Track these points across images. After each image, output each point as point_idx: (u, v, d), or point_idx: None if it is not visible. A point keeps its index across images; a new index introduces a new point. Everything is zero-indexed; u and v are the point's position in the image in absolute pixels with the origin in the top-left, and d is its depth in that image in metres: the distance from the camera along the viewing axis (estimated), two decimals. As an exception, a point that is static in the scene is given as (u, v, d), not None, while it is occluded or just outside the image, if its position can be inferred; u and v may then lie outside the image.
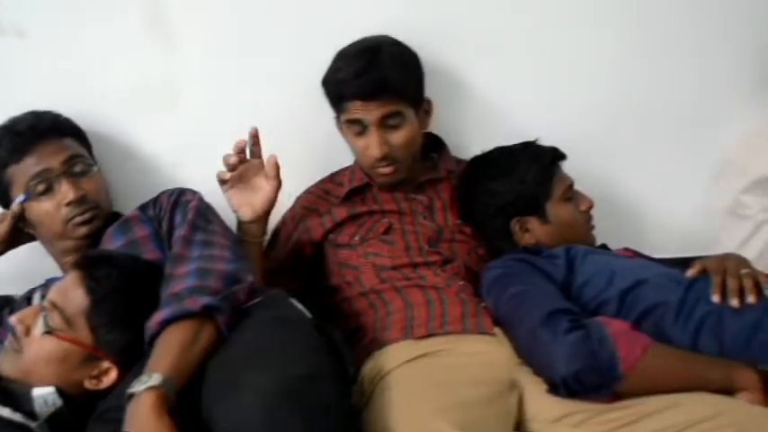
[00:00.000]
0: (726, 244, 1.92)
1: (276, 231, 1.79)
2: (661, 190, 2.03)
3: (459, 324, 1.47)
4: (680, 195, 2.03)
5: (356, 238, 1.68)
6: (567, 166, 1.88)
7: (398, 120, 1.66)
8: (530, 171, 1.67)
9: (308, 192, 1.80)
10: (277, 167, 1.60)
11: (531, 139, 1.82)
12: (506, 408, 1.32)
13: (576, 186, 1.92)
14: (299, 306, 1.39)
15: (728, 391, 1.31)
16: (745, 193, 1.91)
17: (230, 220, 1.66)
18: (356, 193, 1.75)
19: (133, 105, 1.79)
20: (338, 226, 1.71)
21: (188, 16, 1.79)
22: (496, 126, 1.92)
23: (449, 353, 1.41)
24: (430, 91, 1.85)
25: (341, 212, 1.72)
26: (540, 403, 1.33)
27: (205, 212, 1.56)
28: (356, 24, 1.78)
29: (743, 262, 1.53)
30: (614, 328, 1.31)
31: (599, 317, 1.34)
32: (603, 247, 1.78)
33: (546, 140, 1.89)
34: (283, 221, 1.79)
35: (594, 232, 1.78)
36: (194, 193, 1.62)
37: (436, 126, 1.89)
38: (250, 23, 1.82)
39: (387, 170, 1.68)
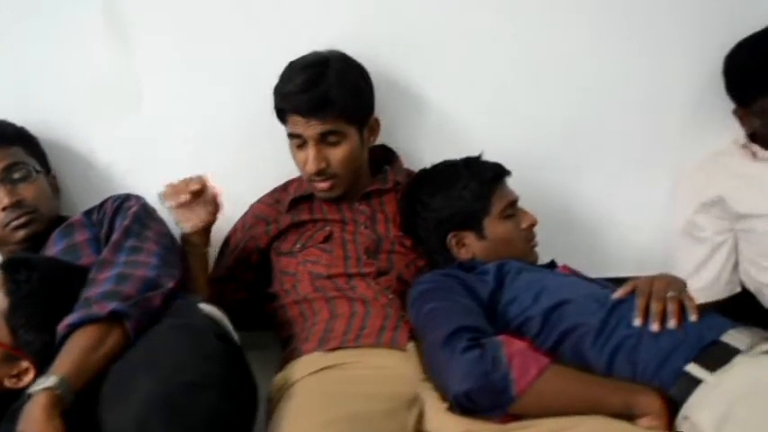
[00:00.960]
0: (682, 265, 1.90)
1: (227, 239, 1.83)
2: (619, 207, 2.02)
3: (374, 337, 1.48)
4: (639, 213, 2.01)
5: (296, 246, 1.70)
6: (521, 180, 1.88)
7: (338, 137, 1.68)
8: (468, 187, 1.67)
9: (259, 201, 1.83)
10: (215, 200, 1.66)
11: (488, 151, 1.82)
12: (402, 423, 1.33)
13: (532, 201, 1.91)
14: (216, 313, 1.42)
15: (630, 415, 1.30)
16: (697, 213, 1.88)
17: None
18: (302, 202, 1.78)
19: (90, 111, 1.84)
20: (282, 234, 1.74)
21: (144, 23, 1.83)
22: (452, 139, 1.93)
23: (355, 366, 1.42)
24: (386, 103, 1.88)
25: (285, 220, 1.75)
26: (440, 420, 1.33)
27: (143, 218, 1.60)
28: (310, 33, 1.81)
29: (673, 283, 1.51)
30: (512, 348, 1.31)
31: (501, 336, 1.34)
32: (552, 263, 1.77)
33: (500, 153, 1.88)
34: (234, 229, 1.82)
35: (538, 249, 1.76)
36: (138, 198, 1.67)
37: (392, 137, 1.92)
38: (205, 30, 1.85)
39: (323, 185, 1.70)
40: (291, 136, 1.69)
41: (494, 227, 1.67)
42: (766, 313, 1.83)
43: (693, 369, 1.33)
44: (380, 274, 1.64)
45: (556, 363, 1.33)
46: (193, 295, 1.51)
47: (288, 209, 1.77)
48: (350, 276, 1.64)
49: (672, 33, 1.92)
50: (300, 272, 1.67)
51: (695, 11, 1.92)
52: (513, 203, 1.71)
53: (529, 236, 1.71)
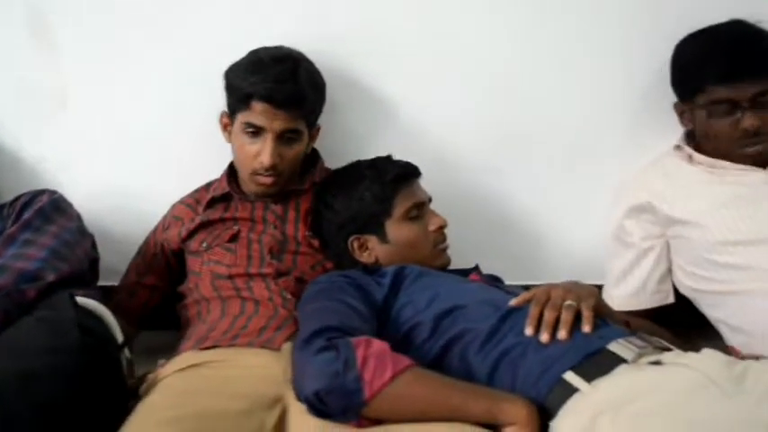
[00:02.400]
0: (611, 271, 1.84)
1: (147, 239, 1.82)
2: (558, 213, 1.97)
3: (252, 337, 1.45)
4: (579, 220, 1.95)
5: (203, 245, 1.68)
6: (456, 183, 1.84)
7: (295, 136, 1.67)
8: (370, 189, 1.63)
9: (180, 201, 1.82)
10: None
11: (427, 152, 1.82)
12: (260, 423, 1.28)
13: (467, 204, 1.88)
14: (99, 308, 1.42)
15: (496, 424, 1.23)
16: (626, 218, 1.80)
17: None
18: (220, 202, 1.76)
19: (18, 110, 1.86)
20: (192, 234, 1.72)
21: (72, 22, 1.84)
22: (390, 140, 1.89)
23: (222, 365, 1.39)
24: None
25: (197, 220, 1.73)
26: (301, 422, 1.28)
27: (48, 212, 1.60)
28: (253, 35, 1.79)
29: (573, 292, 1.43)
30: (369, 350, 1.25)
31: (361, 337, 1.28)
32: (476, 268, 1.72)
33: (437, 154, 1.87)
34: (153, 230, 1.82)
35: (450, 252, 1.71)
36: (53, 193, 1.67)
37: (332, 137, 1.88)
38: (134, 30, 1.85)
39: (267, 180, 1.67)
40: (248, 125, 1.65)
41: (396, 230, 1.63)
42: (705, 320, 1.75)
43: (570, 378, 1.26)
44: (280, 274, 1.61)
45: (416, 367, 1.26)
46: (82, 290, 1.49)
47: (205, 208, 1.75)
48: (250, 276, 1.61)
49: (612, 36, 1.87)
50: (204, 272, 1.65)
51: (633, 14, 1.86)
52: (418, 205, 1.65)
53: (437, 239, 1.66)
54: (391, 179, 1.63)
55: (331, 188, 1.69)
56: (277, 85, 1.60)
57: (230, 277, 1.61)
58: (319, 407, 1.23)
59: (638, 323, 1.72)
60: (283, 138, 1.64)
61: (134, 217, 1.88)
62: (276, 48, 1.71)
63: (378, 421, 1.25)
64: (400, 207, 1.63)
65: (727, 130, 1.66)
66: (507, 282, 1.85)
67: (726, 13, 1.73)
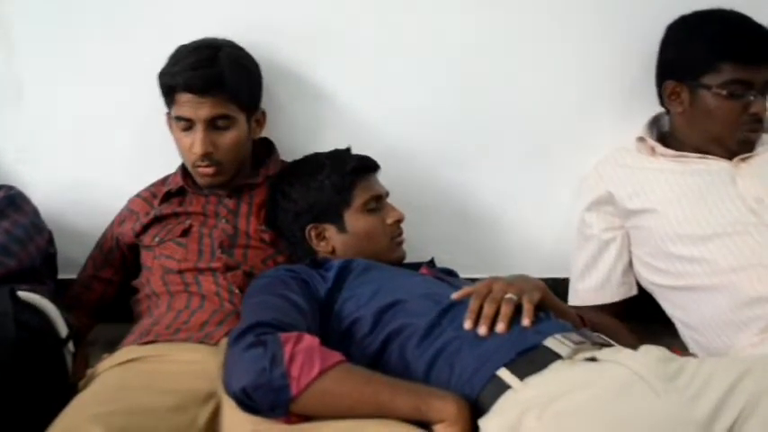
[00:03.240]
0: (574, 265, 1.82)
1: (104, 233, 1.83)
2: (522, 206, 1.96)
3: (193, 332, 1.46)
4: (543, 213, 1.94)
5: (155, 240, 1.69)
6: (415, 175, 1.83)
7: (228, 122, 1.65)
8: (330, 178, 1.63)
9: (137, 194, 1.82)
10: None
11: (382, 143, 1.82)
12: (191, 418, 1.29)
13: (426, 197, 1.87)
14: (41, 303, 1.43)
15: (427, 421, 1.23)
16: (587, 210, 1.79)
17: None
18: (175, 196, 1.76)
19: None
20: (146, 228, 1.73)
21: (27, 17, 1.84)
22: (345, 132, 1.88)
23: (159, 359, 1.39)
24: (279, 95, 1.84)
25: (151, 214, 1.73)
26: (233, 417, 1.28)
27: (2, 208, 1.62)
28: (196, 26, 1.78)
29: (516, 285, 1.43)
30: (297, 346, 1.24)
31: (291, 333, 1.28)
32: (430, 261, 1.71)
33: (395, 146, 1.86)
34: (110, 224, 1.82)
35: (406, 246, 1.71)
36: (9, 188, 1.69)
37: (285, 130, 1.88)
38: (90, 25, 1.85)
39: (208, 170, 1.67)
40: (179, 119, 1.65)
41: (355, 220, 1.63)
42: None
43: (503, 374, 1.25)
44: (229, 269, 1.61)
45: (346, 363, 1.26)
46: (28, 284, 1.50)
47: (160, 202, 1.75)
48: (199, 271, 1.61)
49: (571, 24, 1.85)
50: (155, 266, 1.66)
51: (597, 4, 1.84)
52: (377, 197, 1.66)
53: (394, 232, 1.66)
54: (351, 170, 1.64)
55: (288, 178, 1.69)
56: (194, 72, 1.61)
57: (180, 272, 1.62)
58: (247, 403, 1.23)
59: (595, 318, 1.72)
60: (215, 125, 1.64)
61: (93, 210, 1.88)
62: (199, 40, 1.71)
63: (308, 417, 1.25)
64: (359, 198, 1.63)
65: (733, 113, 1.64)
66: (470, 275, 1.84)
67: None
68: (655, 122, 1.82)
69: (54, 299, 1.56)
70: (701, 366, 1.24)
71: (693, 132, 1.71)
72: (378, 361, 1.39)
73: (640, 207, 1.69)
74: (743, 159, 1.67)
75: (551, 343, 1.30)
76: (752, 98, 1.63)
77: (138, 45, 1.84)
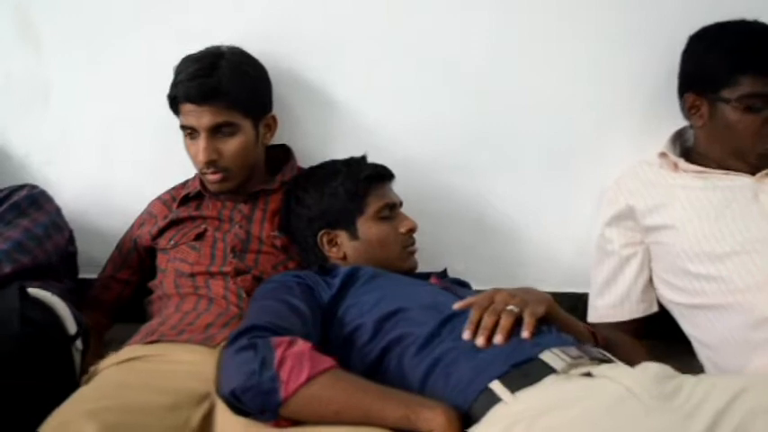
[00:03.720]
0: (594, 281, 1.80)
1: (125, 234, 1.87)
2: (543, 219, 1.94)
3: (196, 334, 1.48)
4: (564, 226, 1.92)
5: (170, 243, 1.72)
6: (432, 183, 1.83)
7: (231, 129, 1.68)
8: (344, 185, 1.65)
9: (158, 197, 1.86)
10: None
11: (397, 152, 1.83)
12: (185, 418, 1.30)
13: (444, 205, 1.88)
14: (50, 299, 1.47)
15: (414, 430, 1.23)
16: (607, 225, 1.76)
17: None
18: (193, 200, 1.79)
19: (4, 106, 1.93)
20: (163, 231, 1.76)
21: (56, 20, 1.90)
22: (361, 140, 1.89)
23: (159, 359, 1.42)
24: (295, 103, 1.87)
25: (169, 218, 1.77)
26: (226, 419, 1.30)
27: (23, 206, 1.68)
28: (217, 33, 1.83)
29: (519, 296, 1.42)
30: (288, 350, 1.25)
31: (285, 337, 1.29)
32: (441, 272, 1.71)
33: (411, 155, 1.88)
34: (131, 226, 1.86)
35: (420, 255, 1.71)
36: (33, 188, 1.75)
37: (302, 138, 1.91)
38: (118, 28, 1.90)
39: (214, 177, 1.70)
40: (184, 127, 1.70)
41: (367, 228, 1.64)
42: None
43: (496, 386, 1.24)
44: (239, 273, 1.63)
45: (336, 369, 1.26)
46: (42, 281, 1.55)
47: (178, 205, 1.79)
48: (211, 275, 1.64)
49: (592, 34, 1.83)
50: (169, 269, 1.69)
51: (617, 12, 1.82)
52: (390, 206, 1.67)
53: (406, 241, 1.66)
54: (365, 177, 1.66)
55: (303, 183, 1.71)
56: (192, 82, 1.64)
57: (192, 275, 1.65)
58: (238, 405, 1.25)
59: (611, 336, 1.70)
60: (218, 132, 1.67)
61: (117, 211, 1.93)
62: (208, 48, 1.74)
63: (298, 421, 1.25)
64: (373, 205, 1.64)
65: (752, 127, 1.60)
66: (486, 286, 1.83)
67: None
68: (679, 137, 1.78)
69: (69, 297, 1.61)
70: (699, 384, 1.22)
71: (714, 146, 1.68)
72: (377, 369, 1.39)
73: (660, 223, 1.66)
74: (767, 175, 1.62)
75: (547, 357, 1.28)
76: None
77: (160, 51, 1.87)
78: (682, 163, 1.70)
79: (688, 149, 1.77)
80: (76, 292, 1.74)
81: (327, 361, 1.27)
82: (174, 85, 1.70)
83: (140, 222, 1.84)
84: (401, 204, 1.70)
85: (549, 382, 1.23)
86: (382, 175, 1.69)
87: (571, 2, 1.83)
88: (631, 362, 1.33)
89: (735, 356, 1.51)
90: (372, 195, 1.66)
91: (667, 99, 1.77)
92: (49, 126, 1.95)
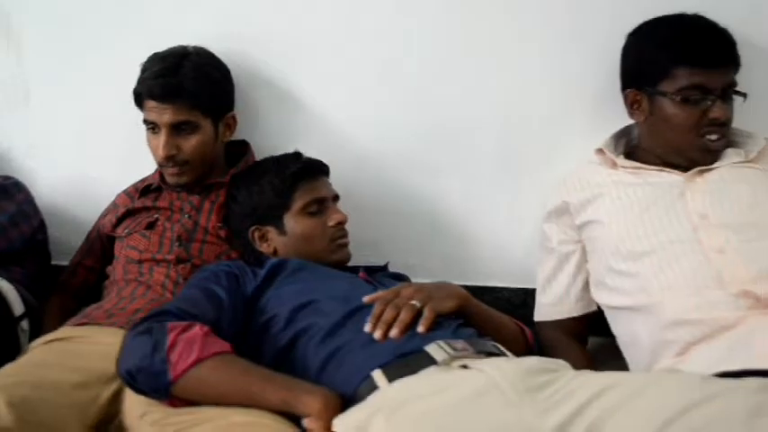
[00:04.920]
0: (538, 279, 1.82)
1: (94, 223, 1.99)
2: (493, 215, 1.96)
3: (123, 318, 1.58)
4: (513, 223, 1.94)
5: (126, 231, 1.84)
6: (385, 181, 1.89)
7: (191, 127, 1.79)
8: (271, 182, 1.72)
9: (124, 190, 1.97)
10: None
11: (351, 150, 1.92)
12: (93, 396, 1.41)
13: (396, 202, 1.93)
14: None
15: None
16: (545, 222, 1.78)
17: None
18: (152, 192, 1.90)
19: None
20: (121, 220, 1.88)
21: (35, 23, 2.05)
22: (320, 137, 1.98)
23: (81, 340, 1.53)
24: (256, 101, 1.96)
25: (127, 207, 1.88)
26: (130, 398, 1.40)
27: None
28: (186, 33, 1.92)
29: (425, 291, 1.48)
30: (181, 334, 1.33)
31: (181, 322, 1.37)
32: (381, 267, 1.76)
33: (363, 152, 1.95)
34: (99, 216, 1.98)
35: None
36: (6, 178, 1.94)
37: (263, 135, 1.99)
38: (92, 29, 2.04)
39: (172, 171, 1.82)
40: (146, 122, 1.82)
41: (294, 223, 1.70)
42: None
43: (376, 375, 1.31)
44: (180, 261, 1.73)
45: (227, 354, 1.34)
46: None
47: (139, 196, 1.90)
48: (156, 262, 1.75)
49: (546, 35, 1.85)
50: (121, 256, 1.81)
51: (565, 9, 1.83)
52: (319, 201, 1.72)
53: (335, 234, 1.71)
54: (292, 173, 1.72)
55: (238, 181, 1.79)
56: (156, 81, 1.75)
57: (140, 262, 1.76)
58: (133, 385, 1.34)
59: (549, 334, 1.73)
60: (178, 129, 1.77)
61: (93, 203, 2.04)
62: (174, 47, 1.85)
63: (192, 402, 1.34)
64: (299, 201, 1.70)
65: (693, 119, 1.60)
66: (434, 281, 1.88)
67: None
68: (625, 134, 1.79)
69: (28, 281, 1.75)
70: (574, 380, 1.24)
71: (655, 142, 1.68)
72: (285, 357, 1.46)
73: (590, 218, 1.68)
74: (700, 173, 1.61)
75: (432, 349, 1.33)
76: (709, 103, 1.58)
77: (131, 50, 1.96)
78: (620, 160, 1.70)
79: (635, 147, 1.77)
80: (43, 278, 1.88)
81: (218, 345, 1.35)
82: (140, 82, 1.81)
83: (105, 213, 1.96)
84: (336, 198, 1.76)
85: (426, 372, 1.29)
86: (310, 169, 1.74)
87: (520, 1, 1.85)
88: (568, 361, 1.36)
89: (647, 357, 1.52)
90: (300, 191, 1.71)
91: (617, 97, 1.77)
92: (31, 123, 2.09)
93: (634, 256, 1.56)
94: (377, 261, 1.82)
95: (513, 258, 1.94)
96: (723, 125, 1.61)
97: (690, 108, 1.60)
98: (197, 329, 1.36)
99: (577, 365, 1.36)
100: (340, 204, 1.78)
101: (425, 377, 1.28)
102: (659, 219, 1.57)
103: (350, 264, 1.79)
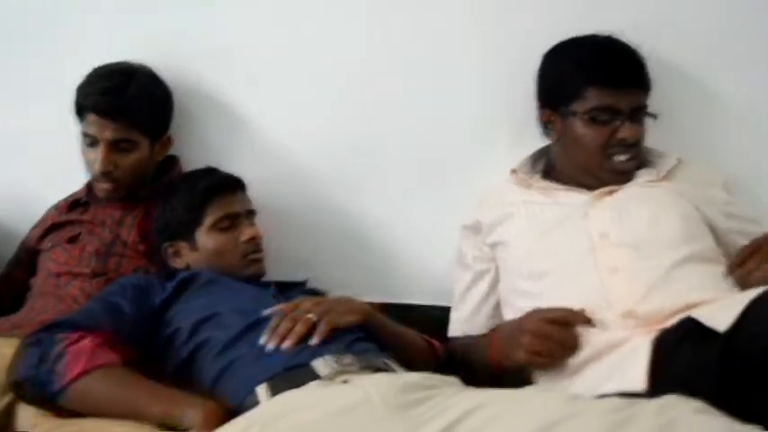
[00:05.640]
0: (455, 295, 1.82)
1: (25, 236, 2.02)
2: (417, 231, 1.97)
3: (27, 330, 1.58)
4: (437, 239, 1.94)
5: (48, 244, 1.87)
6: (311, 194, 1.92)
7: (129, 146, 1.83)
8: (182, 198, 1.74)
9: (54, 204, 2.00)
10: None
11: (287, 166, 1.94)
12: None
13: (320, 216, 1.96)
14: None
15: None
16: (461, 239, 1.80)
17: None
18: (80, 206, 1.93)
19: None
20: (46, 234, 1.91)
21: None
22: (252, 151, 2.01)
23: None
24: (190, 115, 1.99)
25: (53, 221, 1.91)
26: (23, 410, 1.43)
27: None
28: (120, 47, 1.97)
29: (325, 305, 1.50)
30: (70, 346, 1.37)
31: (71, 333, 1.40)
32: (298, 283, 1.78)
33: (291, 166, 1.99)
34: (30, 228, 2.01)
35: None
36: None
37: (197, 150, 2.02)
38: (27, 42, 2.09)
39: (106, 186, 1.85)
40: (85, 135, 1.85)
41: (206, 238, 1.72)
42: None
43: (260, 389, 1.34)
44: (96, 275, 1.76)
45: (115, 366, 1.37)
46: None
47: (67, 210, 1.92)
48: (74, 276, 1.78)
49: (470, 50, 1.88)
50: (43, 269, 1.84)
51: (496, 24, 1.87)
52: (231, 216, 1.73)
53: (247, 249, 1.72)
54: (203, 189, 1.74)
55: (157, 197, 1.81)
56: (103, 97, 1.79)
57: (58, 275, 1.79)
58: (22, 395, 1.37)
59: (460, 348, 1.73)
60: (117, 146, 1.81)
61: (27, 215, 2.05)
62: (118, 63, 1.88)
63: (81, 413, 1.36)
64: (211, 217, 1.72)
65: (602, 139, 1.62)
66: (365, 298, 1.90)
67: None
68: (544, 153, 1.80)
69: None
70: (451, 397, 1.26)
71: (568, 162, 1.71)
72: (186, 369, 1.49)
73: (498, 239, 1.69)
74: (610, 192, 1.62)
75: (317, 363, 1.36)
76: (618, 123, 1.60)
77: (69, 64, 2.01)
78: (534, 179, 1.72)
79: (551, 167, 1.78)
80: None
81: (107, 357, 1.39)
82: (84, 96, 1.84)
83: (35, 226, 1.99)
84: (251, 213, 1.78)
85: (309, 387, 1.32)
86: (223, 186, 1.76)
87: (448, 15, 1.87)
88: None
89: (550, 377, 1.52)
90: (212, 206, 1.72)
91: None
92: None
93: (535, 277, 1.58)
94: (303, 276, 1.84)
95: (434, 274, 1.93)
96: (632, 146, 1.63)
97: (599, 128, 1.62)
98: (87, 341, 1.39)
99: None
100: (262, 219, 1.80)
101: (305, 392, 1.30)
102: (560, 239, 1.58)
103: (274, 279, 1.81)
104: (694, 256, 1.49)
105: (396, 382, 1.28)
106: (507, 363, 1.49)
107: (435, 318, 1.94)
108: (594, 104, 1.61)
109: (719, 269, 1.48)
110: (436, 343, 1.69)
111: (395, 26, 1.90)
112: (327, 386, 1.31)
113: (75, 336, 1.40)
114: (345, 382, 1.31)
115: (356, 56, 1.93)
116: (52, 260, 1.83)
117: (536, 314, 1.47)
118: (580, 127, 1.64)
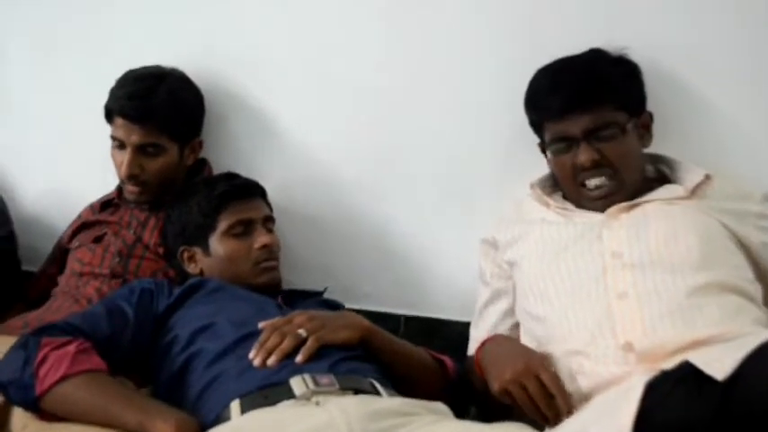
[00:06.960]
0: (474, 312, 1.75)
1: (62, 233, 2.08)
2: (444, 245, 1.90)
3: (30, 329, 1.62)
4: (459, 248, 1.87)
5: (76, 243, 1.91)
6: (336, 202, 1.89)
7: (157, 150, 1.86)
8: (198, 203, 1.74)
9: (90, 203, 2.04)
10: None
11: (317, 175, 1.93)
12: None
13: (346, 225, 1.92)
14: None
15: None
16: (481, 255, 1.72)
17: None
18: (112, 206, 1.97)
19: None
20: (76, 233, 1.96)
21: (18, 34, 2.17)
22: (282, 157, 1.99)
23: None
24: (224, 118, 2.00)
25: (84, 220, 1.95)
26: (17, 410, 1.44)
27: None
28: (158, 51, 2.00)
29: (318, 321, 1.47)
30: (54, 351, 1.38)
31: (58, 337, 1.40)
32: (320, 293, 1.75)
33: (316, 173, 1.96)
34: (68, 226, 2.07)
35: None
36: None
37: (220, 152, 2.02)
38: (73, 42, 2.14)
39: (133, 189, 1.88)
40: (113, 138, 1.88)
41: (219, 244, 1.71)
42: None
43: (233, 405, 1.32)
44: (114, 276, 1.78)
45: (96, 373, 1.37)
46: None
47: (100, 210, 1.96)
48: (94, 276, 1.81)
49: (497, 57, 1.80)
50: (68, 268, 1.88)
51: (522, 37, 1.78)
52: (246, 222, 1.72)
53: (260, 257, 1.70)
54: (219, 194, 1.73)
55: (174, 201, 1.82)
56: (129, 102, 1.81)
57: (81, 275, 1.83)
58: (7, 396, 1.38)
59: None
60: (144, 150, 1.83)
61: (66, 212, 2.11)
62: (149, 67, 1.90)
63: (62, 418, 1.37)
64: (224, 222, 1.71)
65: (567, 168, 1.57)
66: (392, 311, 1.86)
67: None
68: None
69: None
70: (423, 427, 1.20)
71: (562, 185, 1.65)
72: (178, 379, 1.48)
73: (512, 257, 1.62)
74: (627, 209, 1.52)
75: (295, 382, 1.34)
76: (575, 149, 1.54)
77: (108, 65, 2.04)
78: (554, 198, 1.63)
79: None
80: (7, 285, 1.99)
81: (89, 363, 1.39)
82: (113, 99, 1.88)
83: (70, 225, 2.03)
84: (268, 220, 1.76)
85: (281, 406, 1.29)
86: (239, 191, 1.75)
87: (477, 26, 1.81)
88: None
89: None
90: (226, 212, 1.72)
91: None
92: (11, 133, 2.21)
93: (544, 300, 1.49)
94: (326, 285, 1.81)
95: (459, 289, 1.86)
96: (596, 167, 1.53)
97: (562, 158, 1.58)
98: (71, 346, 1.40)
99: None
100: (287, 224, 1.78)
101: (275, 411, 1.28)
102: (574, 260, 1.49)
103: (296, 287, 1.79)
104: (714, 285, 1.36)
105: (367, 408, 1.23)
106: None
107: (463, 334, 1.87)
108: (551, 137, 1.59)
109: (742, 301, 1.35)
110: (449, 362, 1.63)
111: (425, 39, 1.84)
112: (300, 406, 1.27)
113: (61, 340, 1.41)
114: (317, 403, 1.26)
115: (387, 64, 1.88)
116: (77, 259, 1.87)
117: (537, 360, 1.40)
118: (552, 160, 1.62)
